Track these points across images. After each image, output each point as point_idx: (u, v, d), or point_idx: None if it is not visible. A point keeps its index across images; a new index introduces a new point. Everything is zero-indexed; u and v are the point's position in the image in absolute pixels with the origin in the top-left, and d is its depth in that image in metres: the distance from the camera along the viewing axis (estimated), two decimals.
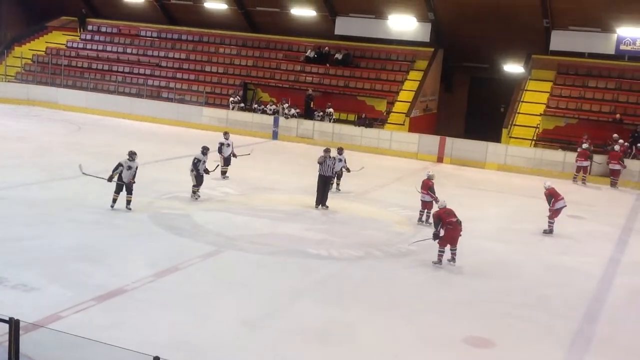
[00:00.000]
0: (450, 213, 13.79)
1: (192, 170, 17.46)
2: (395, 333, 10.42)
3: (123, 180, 15.68)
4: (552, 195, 16.57)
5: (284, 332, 10.15)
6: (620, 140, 24.34)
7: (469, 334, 10.54)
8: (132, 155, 15.87)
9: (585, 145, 24.08)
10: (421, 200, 16.61)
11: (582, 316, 11.68)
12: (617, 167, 23.70)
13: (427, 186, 16.60)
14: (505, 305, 11.89)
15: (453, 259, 13.75)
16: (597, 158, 24.26)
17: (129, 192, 15.83)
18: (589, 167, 24.05)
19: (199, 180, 17.53)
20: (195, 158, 17.46)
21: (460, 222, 13.69)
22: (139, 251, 13.28)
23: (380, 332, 10.39)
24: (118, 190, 15.76)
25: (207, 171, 17.62)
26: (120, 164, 15.68)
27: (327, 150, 18.00)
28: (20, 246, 12.81)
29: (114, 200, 15.74)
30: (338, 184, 19.45)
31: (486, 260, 14.42)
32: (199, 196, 17.48)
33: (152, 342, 9.39)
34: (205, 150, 17.69)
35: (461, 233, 13.75)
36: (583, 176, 23.98)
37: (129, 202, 15.84)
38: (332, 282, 12.57)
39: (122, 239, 13.85)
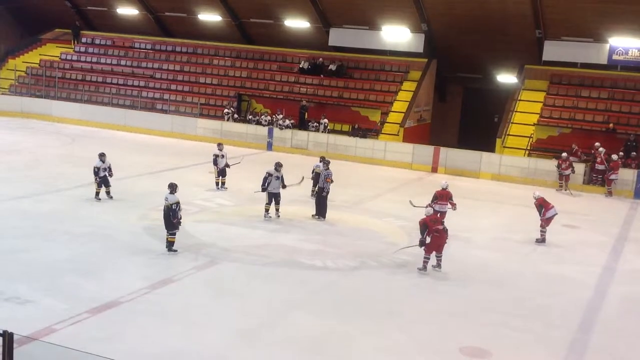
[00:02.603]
0: (437, 221, 13.90)
1: (262, 189, 17.22)
2: (391, 343, 10.41)
3: (273, 190, 16.85)
4: (542, 205, 16.64)
5: (279, 342, 10.13)
6: (601, 149, 24.39)
7: (465, 343, 10.54)
8: (278, 167, 16.94)
9: (564, 154, 24.08)
10: (439, 211, 16.15)
11: (577, 326, 11.69)
12: (615, 176, 23.76)
13: (449, 196, 16.82)
14: (500, 315, 11.89)
15: (438, 265, 13.86)
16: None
17: (278, 202, 17.02)
18: (569, 176, 23.97)
19: (269, 198, 17.14)
20: (267, 172, 17.16)
21: (447, 229, 13.78)
22: (133, 263, 13.24)
23: (376, 343, 10.37)
24: (270, 201, 17.03)
25: (284, 186, 17.23)
26: (269, 174, 16.84)
27: (326, 161, 18.14)
28: (14, 259, 12.77)
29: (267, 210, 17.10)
30: (313, 191, 19.33)
31: (481, 270, 14.41)
32: (270, 217, 17.14)
33: (147, 354, 9.37)
34: (278, 167, 17.18)
35: (447, 241, 13.81)
36: (561, 183, 23.95)
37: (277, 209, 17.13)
38: (327, 292, 12.56)
39: (116, 251, 13.80)
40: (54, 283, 11.71)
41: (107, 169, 17.67)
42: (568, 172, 23.74)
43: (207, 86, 33.33)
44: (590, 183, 24.59)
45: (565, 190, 23.66)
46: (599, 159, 24.34)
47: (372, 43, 32.14)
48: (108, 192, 17.74)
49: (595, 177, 24.58)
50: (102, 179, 17.59)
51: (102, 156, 17.70)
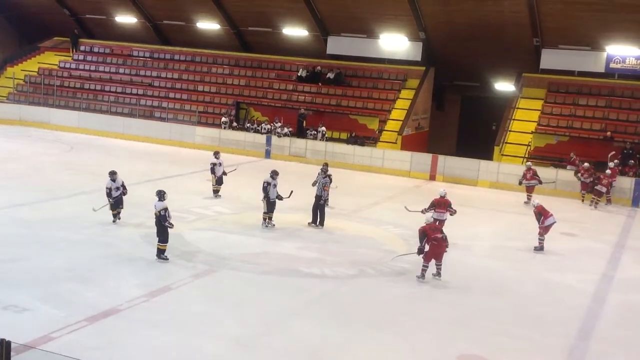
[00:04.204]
0: (436, 229, 13.88)
1: (263, 197, 17.07)
2: (389, 351, 10.39)
3: (272, 198, 16.94)
4: (541, 213, 16.64)
5: (278, 351, 10.10)
6: (586, 164, 23.60)
7: (463, 351, 10.52)
8: (274, 175, 17.01)
9: (528, 164, 23.54)
10: (438, 219, 16.05)
11: (576, 333, 11.68)
12: (615, 183, 23.77)
13: (447, 204, 16.85)
14: (499, 323, 11.88)
15: (438, 274, 13.85)
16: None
17: (272, 210, 17.12)
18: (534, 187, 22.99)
19: (270, 207, 17.07)
20: (265, 182, 17.04)
21: (446, 238, 13.76)
22: (131, 271, 13.22)
23: (375, 351, 10.36)
24: (268, 209, 17.13)
25: (280, 197, 17.19)
26: (267, 183, 16.86)
27: (323, 168, 18.17)
28: (12, 267, 12.74)
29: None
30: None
31: (479, 278, 14.40)
32: (274, 224, 17.12)
33: None
34: (274, 175, 17.12)
35: (447, 249, 13.80)
36: (529, 195, 22.86)
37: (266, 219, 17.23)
38: (325, 300, 12.53)
39: (114, 259, 13.77)
40: (52, 291, 11.68)
41: (121, 188, 16.37)
42: (534, 182, 22.83)
43: (206, 94, 33.36)
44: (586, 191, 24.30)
45: (528, 200, 22.64)
46: (586, 175, 23.47)
47: (370, 51, 32.23)
48: (118, 213, 16.39)
49: (583, 193, 23.87)
50: (117, 199, 16.24)
51: (112, 174, 16.33)
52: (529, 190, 23.05)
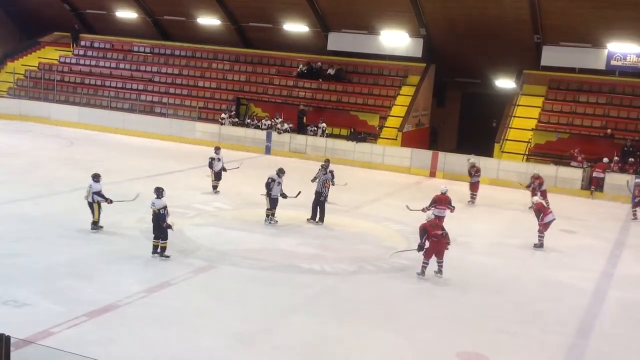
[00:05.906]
0: (437, 226, 13.88)
1: (266, 193, 17.01)
2: (388, 348, 10.40)
3: (275, 195, 16.86)
4: (540, 210, 16.64)
5: (277, 347, 10.11)
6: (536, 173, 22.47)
7: (462, 349, 10.53)
8: (280, 173, 16.96)
9: (471, 161, 22.68)
10: (437, 216, 15.87)
11: (575, 331, 11.69)
12: (601, 175, 23.99)
13: (447, 201, 16.89)
14: (498, 320, 11.88)
15: (440, 271, 13.86)
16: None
17: (275, 207, 17.05)
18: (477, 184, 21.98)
19: (273, 203, 17.02)
20: (269, 178, 17.00)
21: (446, 234, 13.76)
22: (130, 267, 13.22)
23: (374, 347, 10.36)
24: (271, 206, 17.00)
25: (284, 195, 17.14)
26: (272, 179, 16.80)
27: (324, 165, 18.13)
28: (12, 262, 12.74)
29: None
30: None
31: (479, 275, 14.41)
32: (276, 221, 17.06)
33: (144, 358, 9.36)
34: (280, 173, 17.05)
35: (448, 247, 13.80)
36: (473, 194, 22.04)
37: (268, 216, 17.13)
38: (325, 297, 12.54)
39: (114, 255, 13.77)
40: (52, 286, 11.68)
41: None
42: (476, 179, 22.04)
43: (206, 90, 33.33)
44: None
45: (472, 200, 22.04)
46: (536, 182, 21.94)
47: (370, 47, 32.20)
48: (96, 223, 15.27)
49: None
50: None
51: (98, 177, 15.30)
52: (473, 188, 22.10)
